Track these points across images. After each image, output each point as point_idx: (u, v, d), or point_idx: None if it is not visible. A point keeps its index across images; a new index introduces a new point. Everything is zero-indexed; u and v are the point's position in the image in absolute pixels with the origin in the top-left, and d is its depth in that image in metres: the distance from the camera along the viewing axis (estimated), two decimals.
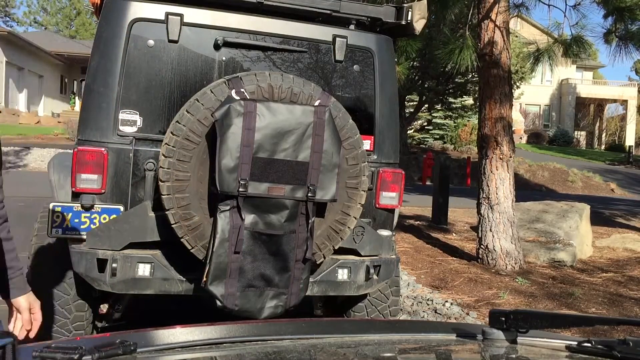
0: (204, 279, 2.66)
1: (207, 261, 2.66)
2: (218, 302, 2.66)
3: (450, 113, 26.92)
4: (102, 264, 2.88)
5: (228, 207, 2.62)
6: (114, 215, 2.96)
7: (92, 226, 2.94)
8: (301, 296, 2.82)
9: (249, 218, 2.64)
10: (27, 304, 1.70)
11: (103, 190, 2.96)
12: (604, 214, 12.59)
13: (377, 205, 3.39)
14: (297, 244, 2.72)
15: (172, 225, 2.76)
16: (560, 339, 1.24)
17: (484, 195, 6.49)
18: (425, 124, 28.68)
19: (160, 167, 2.77)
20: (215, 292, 2.64)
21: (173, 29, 3.01)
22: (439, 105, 25.99)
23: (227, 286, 2.64)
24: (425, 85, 22.19)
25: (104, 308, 3.51)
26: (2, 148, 1.55)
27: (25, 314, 1.69)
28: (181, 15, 3.01)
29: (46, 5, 48.29)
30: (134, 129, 3.01)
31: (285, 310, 2.78)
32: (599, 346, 1.11)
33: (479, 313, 4.75)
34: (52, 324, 3.23)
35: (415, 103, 23.90)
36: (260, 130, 2.63)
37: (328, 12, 3.28)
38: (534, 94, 37.61)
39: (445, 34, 6.66)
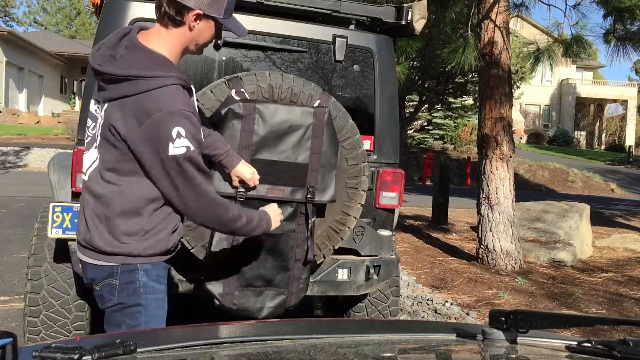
0: (202, 278, 2.66)
1: (205, 260, 2.66)
2: (216, 301, 2.65)
3: (450, 113, 26.92)
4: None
5: None
6: None
7: None
8: (301, 296, 2.81)
9: None
10: (246, 167, 2.50)
11: None
12: (604, 214, 12.60)
13: (377, 205, 3.38)
14: (296, 244, 2.72)
15: None
16: (560, 339, 1.24)
17: (484, 195, 6.49)
18: (425, 124, 28.68)
19: None
20: (213, 291, 2.63)
21: None
22: (439, 105, 25.99)
23: (225, 285, 2.63)
24: (425, 85, 22.19)
25: None
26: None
27: (254, 171, 2.53)
28: None
29: (46, 5, 48.30)
30: None
31: (285, 310, 2.78)
32: (599, 346, 1.11)
33: (479, 313, 4.75)
34: (52, 324, 3.23)
35: (415, 103, 23.90)
36: (259, 132, 2.63)
37: (328, 12, 3.28)
38: (534, 94, 37.63)
39: (446, 33, 6.65)
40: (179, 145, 1.71)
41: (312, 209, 2.76)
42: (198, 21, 1.81)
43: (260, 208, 2.12)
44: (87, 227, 1.85)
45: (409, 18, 3.32)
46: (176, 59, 1.86)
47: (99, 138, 1.84)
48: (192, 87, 1.88)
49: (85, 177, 1.89)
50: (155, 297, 1.88)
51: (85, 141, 1.93)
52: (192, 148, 1.73)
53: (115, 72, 1.74)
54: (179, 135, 1.70)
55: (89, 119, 1.93)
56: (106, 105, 1.79)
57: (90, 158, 1.88)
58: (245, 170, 2.49)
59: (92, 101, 1.92)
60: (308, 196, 2.71)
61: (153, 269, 1.87)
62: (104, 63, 1.77)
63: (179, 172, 1.75)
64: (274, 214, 2.13)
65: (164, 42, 1.82)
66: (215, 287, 2.63)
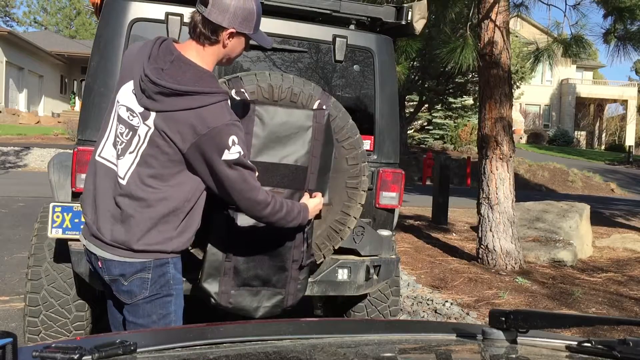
0: (199, 277, 2.65)
1: (202, 259, 2.65)
2: (212, 300, 2.65)
3: (450, 113, 26.92)
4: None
5: (224, 207, 2.60)
6: None
7: None
8: (299, 296, 2.77)
9: (244, 217, 2.61)
10: None
11: None
12: (604, 214, 12.60)
13: (377, 205, 3.38)
14: (294, 245, 2.70)
15: None
16: (560, 339, 1.24)
17: (484, 195, 6.49)
18: (425, 124, 28.68)
19: None
20: (209, 290, 2.62)
21: (173, 29, 3.00)
22: (439, 105, 25.98)
23: (221, 284, 2.62)
24: (425, 85, 22.19)
25: None
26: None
27: None
28: (181, 16, 3.01)
29: (46, 5, 48.30)
30: None
31: (283, 310, 2.77)
32: (599, 346, 1.11)
33: (479, 313, 4.75)
34: (52, 324, 3.23)
35: (415, 103, 23.90)
36: (258, 134, 2.62)
37: (328, 12, 3.28)
38: (534, 94, 37.62)
39: (445, 33, 6.65)
40: (233, 152, 1.93)
41: None
42: (231, 39, 1.99)
43: (302, 200, 2.41)
44: (121, 229, 1.97)
45: (409, 18, 3.32)
46: (210, 68, 2.05)
47: (143, 145, 1.95)
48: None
49: (124, 182, 1.98)
50: (180, 287, 2.09)
51: (118, 146, 2.01)
52: (242, 152, 1.95)
53: (176, 87, 1.90)
54: (233, 142, 1.93)
55: (120, 125, 2.01)
56: (154, 114, 1.93)
57: (127, 163, 1.99)
58: None
59: (123, 108, 2.00)
60: None
61: (178, 262, 2.08)
62: (160, 77, 1.91)
63: (233, 174, 1.97)
64: (314, 205, 2.40)
65: (203, 58, 2.00)
66: (211, 286, 2.62)
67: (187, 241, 2.07)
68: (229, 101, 2.01)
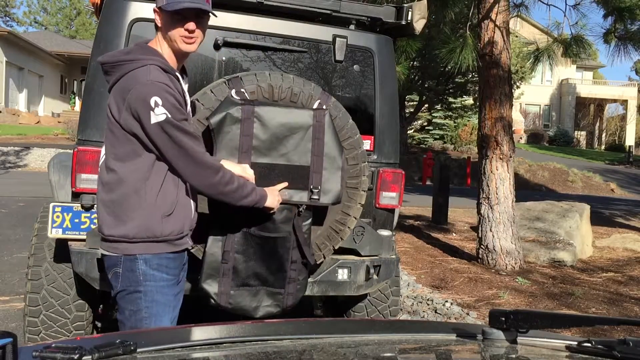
0: (199, 277, 2.65)
1: (201, 260, 2.65)
2: (212, 300, 2.65)
3: (450, 113, 26.90)
4: (102, 263, 2.88)
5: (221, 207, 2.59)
6: None
7: (92, 226, 2.94)
8: (298, 297, 2.78)
9: (243, 218, 2.60)
10: (234, 165, 2.37)
11: None
12: (604, 214, 12.60)
13: (377, 205, 3.38)
14: (292, 246, 2.69)
15: None
16: (560, 339, 1.24)
17: (484, 195, 6.49)
18: (425, 124, 28.67)
19: None
20: (208, 290, 2.63)
21: None
22: (439, 105, 25.97)
23: (220, 284, 2.63)
24: (425, 85, 22.16)
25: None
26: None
27: (245, 167, 2.43)
28: None
29: (46, 5, 48.32)
30: None
31: (282, 310, 2.76)
32: (599, 346, 1.11)
33: (479, 313, 4.75)
34: (52, 324, 3.23)
35: (415, 103, 23.89)
36: (258, 135, 2.60)
37: (328, 12, 3.28)
38: (534, 94, 37.61)
39: (445, 33, 6.64)
40: (159, 113, 1.86)
41: (309, 212, 2.74)
42: (160, 18, 2.00)
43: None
44: (98, 216, 2.04)
45: (409, 18, 3.32)
46: (172, 59, 2.03)
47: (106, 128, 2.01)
48: (178, 74, 2.03)
49: (99, 169, 2.06)
50: (155, 284, 2.00)
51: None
52: (169, 116, 1.87)
53: (101, 59, 1.99)
54: (156, 104, 1.86)
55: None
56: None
57: (102, 151, 2.06)
58: (233, 168, 2.30)
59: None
60: (312, 197, 2.69)
61: (153, 259, 2.00)
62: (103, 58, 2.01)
63: (167, 137, 1.90)
64: (273, 193, 2.32)
65: (157, 44, 2.03)
66: (210, 287, 2.63)
67: (154, 227, 1.97)
68: (158, 67, 1.93)
